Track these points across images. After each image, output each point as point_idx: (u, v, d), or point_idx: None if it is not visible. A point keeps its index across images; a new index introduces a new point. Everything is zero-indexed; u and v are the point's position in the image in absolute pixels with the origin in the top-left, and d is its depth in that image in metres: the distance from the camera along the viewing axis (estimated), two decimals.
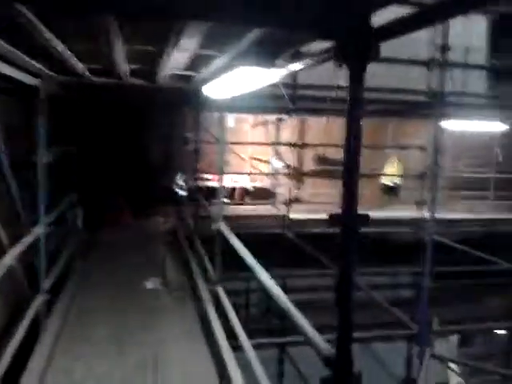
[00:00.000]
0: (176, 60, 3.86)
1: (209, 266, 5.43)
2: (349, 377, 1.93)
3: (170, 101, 6.91)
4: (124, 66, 4.39)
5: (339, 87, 6.85)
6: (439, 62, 8.00)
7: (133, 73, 4.98)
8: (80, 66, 4.40)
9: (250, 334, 4.07)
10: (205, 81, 4.48)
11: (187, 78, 5.06)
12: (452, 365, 8.02)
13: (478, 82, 9.95)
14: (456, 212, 9.63)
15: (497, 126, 9.58)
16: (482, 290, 8.59)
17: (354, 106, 1.96)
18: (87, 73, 4.79)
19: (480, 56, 10.25)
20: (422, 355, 5.05)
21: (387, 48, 2.05)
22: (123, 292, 5.50)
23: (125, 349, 4.19)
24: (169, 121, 9.45)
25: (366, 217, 2.02)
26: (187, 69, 4.46)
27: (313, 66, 2.43)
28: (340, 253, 1.99)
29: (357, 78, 1.86)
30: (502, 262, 7.65)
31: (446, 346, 8.92)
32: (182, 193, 8.36)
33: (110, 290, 5.55)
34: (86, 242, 7.35)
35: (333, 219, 2.07)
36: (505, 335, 9.14)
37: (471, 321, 8.25)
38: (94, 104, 8.09)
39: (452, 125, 8.27)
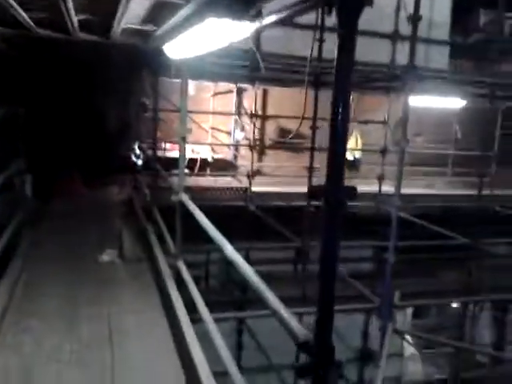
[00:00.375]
0: (133, 9, 3.49)
1: (168, 238, 5.18)
2: (329, 366, 1.75)
3: (126, 61, 6.47)
4: (72, 16, 3.96)
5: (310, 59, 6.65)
6: (402, 35, 7.90)
7: (84, 26, 4.53)
8: (23, 15, 3.94)
9: (210, 307, 3.94)
10: (166, 37, 4.11)
11: (146, 35, 4.65)
12: (407, 336, 8.18)
13: (439, 58, 9.94)
14: (415, 187, 9.72)
15: (456, 103, 9.69)
16: (439, 264, 8.75)
17: (344, 66, 1.74)
18: (32, 24, 4.32)
19: (442, 31, 10.21)
20: (384, 329, 5.03)
21: None
22: (76, 265, 5.18)
23: (77, 322, 3.94)
24: (126, 85, 8.92)
25: (353, 189, 1.83)
26: (146, 21, 4.08)
27: (291, 18, 2.18)
28: (323, 228, 1.79)
29: (348, 28, 1.63)
30: (459, 237, 7.77)
31: (402, 318, 9.07)
32: (139, 162, 7.98)
33: (62, 262, 5.21)
34: (35, 211, 6.91)
35: (313, 192, 1.88)
36: (458, 308, 9.37)
37: (428, 294, 8.41)
38: (42, 62, 7.49)
39: (413, 100, 8.23)
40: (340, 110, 1.78)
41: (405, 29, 7.94)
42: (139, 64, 7.11)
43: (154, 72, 6.98)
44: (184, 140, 4.95)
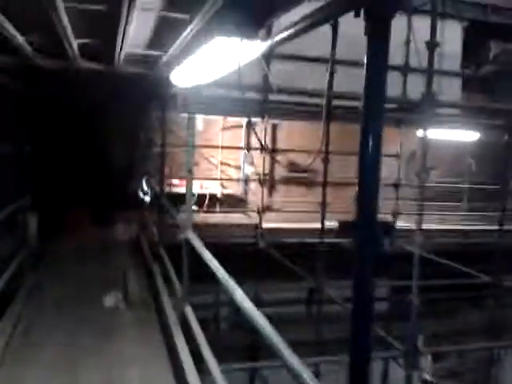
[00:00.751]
0: (137, 31, 3.32)
1: (175, 279, 4.88)
2: None
3: (133, 93, 6.31)
4: (71, 40, 3.78)
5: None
6: (413, 67, 7.75)
7: (85, 53, 4.37)
8: (19, 39, 3.77)
9: (221, 353, 3.63)
10: (172, 62, 3.92)
11: (152, 62, 4.48)
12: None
13: (451, 91, 9.79)
14: (430, 222, 9.39)
15: (471, 136, 9.46)
16: (460, 304, 8.35)
17: (374, 82, 1.52)
18: (30, 50, 4.15)
19: (453, 63, 10.10)
20: (409, 378, 4.63)
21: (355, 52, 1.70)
22: (79, 310, 4.87)
23: (78, 375, 3.61)
24: (132, 118, 8.77)
25: (390, 224, 1.59)
26: (151, 45, 3.90)
27: (302, 32, 1.97)
28: (355, 268, 1.55)
29: (379, 35, 1.41)
30: (479, 275, 7.39)
31: (424, 362, 8.59)
32: (147, 198, 7.74)
33: (64, 307, 4.92)
34: (38, 251, 6.64)
35: (345, 228, 1.64)
36: (481, 350, 8.87)
37: (449, 336, 7.99)
38: (46, 94, 7.34)
39: (427, 133, 8.01)
40: (370, 137, 1.59)
41: (414, 62, 7.83)
42: (146, 96, 6.98)
43: (162, 105, 6.84)
44: (191, 176, 4.74)
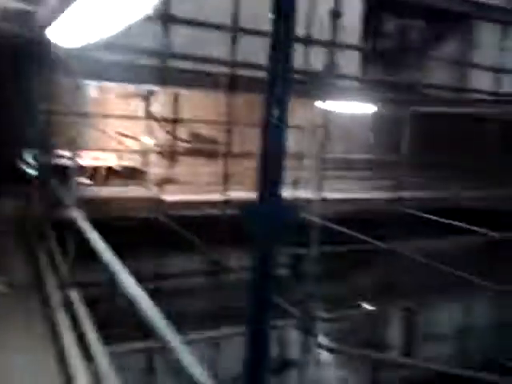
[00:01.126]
0: None
1: (61, 260, 4.48)
2: None
3: (9, 55, 5.62)
4: None
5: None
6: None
7: None
8: None
9: (113, 338, 3.40)
10: (50, 18, 3.47)
11: (27, 18, 3.95)
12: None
13: (350, 64, 9.97)
14: (328, 192, 9.64)
15: (369, 108, 9.77)
16: (353, 269, 8.74)
17: (279, 49, 1.37)
18: None
19: (352, 37, 10.26)
20: (304, 343, 4.71)
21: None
22: None
23: None
24: (10, 83, 7.87)
25: (292, 206, 1.46)
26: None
27: None
28: (255, 247, 1.44)
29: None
30: (372, 241, 7.71)
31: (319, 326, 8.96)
32: (32, 172, 7.06)
33: None
34: None
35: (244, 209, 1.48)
36: (371, 311, 9.40)
37: (341, 300, 8.35)
38: None
39: (327, 105, 8.11)
40: (275, 107, 1.46)
41: (315, 34, 7.83)
42: (26, 58, 6.25)
43: (47, 68, 6.17)
44: (81, 147, 4.34)
